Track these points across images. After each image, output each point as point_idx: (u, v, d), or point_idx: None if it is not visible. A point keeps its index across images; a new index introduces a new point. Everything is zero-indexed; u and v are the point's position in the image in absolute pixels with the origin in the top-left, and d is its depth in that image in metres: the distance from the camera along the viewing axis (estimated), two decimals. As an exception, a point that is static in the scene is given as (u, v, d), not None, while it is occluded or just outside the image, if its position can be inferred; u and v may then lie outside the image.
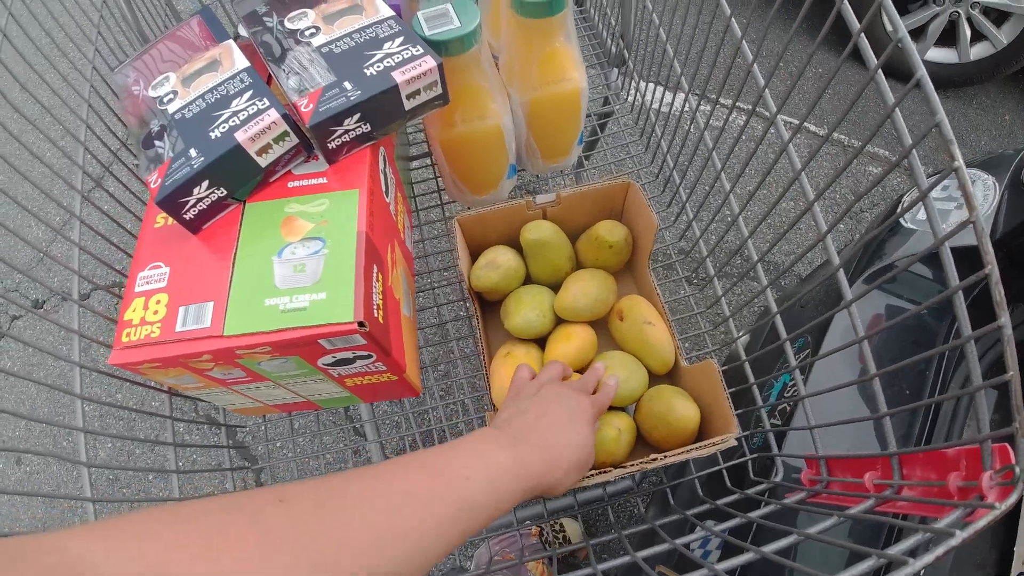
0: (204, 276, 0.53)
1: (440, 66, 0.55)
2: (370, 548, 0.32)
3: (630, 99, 0.89)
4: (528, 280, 0.69)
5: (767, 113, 0.53)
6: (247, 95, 0.55)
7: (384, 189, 0.61)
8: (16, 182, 1.93)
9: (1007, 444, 0.33)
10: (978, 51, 1.81)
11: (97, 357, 1.63)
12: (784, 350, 0.59)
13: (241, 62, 0.58)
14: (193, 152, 0.52)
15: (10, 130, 0.61)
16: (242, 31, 0.77)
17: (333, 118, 0.52)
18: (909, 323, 0.82)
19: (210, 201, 0.54)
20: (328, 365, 0.56)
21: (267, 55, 0.59)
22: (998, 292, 0.34)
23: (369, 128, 0.55)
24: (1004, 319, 0.34)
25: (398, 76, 0.53)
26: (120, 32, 0.81)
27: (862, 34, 0.42)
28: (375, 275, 0.54)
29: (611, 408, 0.62)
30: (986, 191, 0.93)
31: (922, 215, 0.93)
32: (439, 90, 0.57)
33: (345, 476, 0.35)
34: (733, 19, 0.58)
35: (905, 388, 0.76)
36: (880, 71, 0.41)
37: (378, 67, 0.54)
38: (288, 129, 0.54)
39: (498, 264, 0.64)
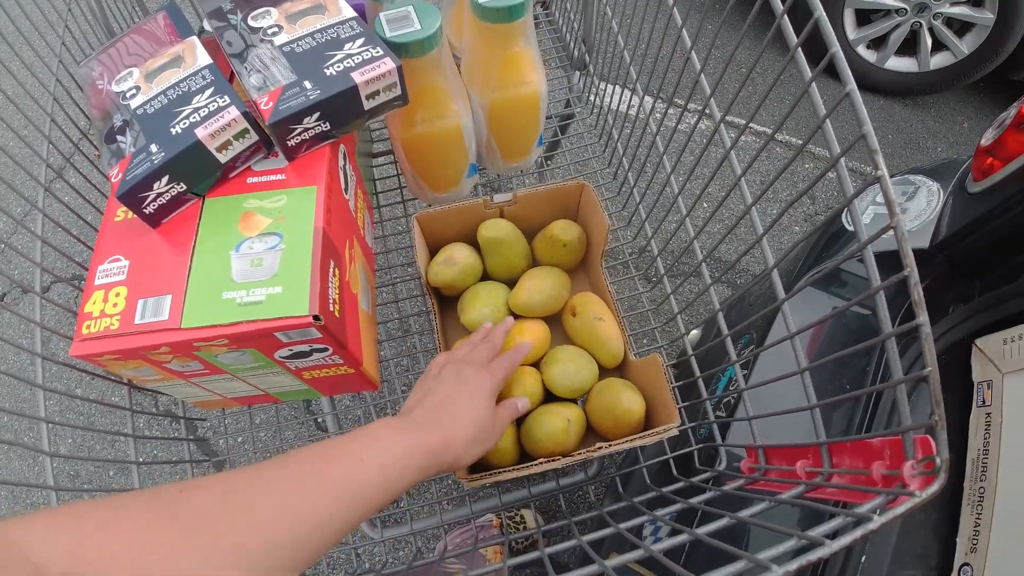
0: (163, 270, 0.54)
1: (399, 68, 0.56)
2: (273, 528, 0.34)
3: (591, 99, 0.92)
4: (485, 276, 0.71)
5: (716, 117, 0.56)
6: (208, 92, 0.56)
7: (343, 187, 0.63)
8: (-26, 172, 1.89)
9: (928, 435, 0.36)
10: (938, 60, 1.86)
11: (57, 351, 1.60)
12: (726, 346, 0.62)
13: (203, 59, 0.59)
14: (154, 147, 0.53)
15: None
16: (207, 26, 0.78)
17: (293, 116, 0.54)
18: (853, 324, 0.86)
19: (170, 196, 0.54)
20: (285, 358, 0.57)
21: (230, 52, 0.60)
22: (917, 292, 0.37)
23: (328, 127, 0.57)
24: (922, 318, 0.36)
25: (357, 76, 0.55)
26: (87, 24, 0.80)
27: (800, 48, 0.45)
28: (332, 270, 0.55)
29: (562, 400, 0.64)
30: (930, 197, 0.97)
31: (865, 219, 0.98)
32: (398, 91, 0.58)
33: (258, 466, 0.38)
34: (684, 30, 0.60)
35: (846, 384, 0.80)
36: (818, 80, 0.43)
37: (338, 67, 0.56)
38: (248, 127, 0.55)
39: (455, 261, 0.65)
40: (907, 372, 0.39)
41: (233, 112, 0.54)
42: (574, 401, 0.65)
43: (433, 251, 0.71)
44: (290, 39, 0.58)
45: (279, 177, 0.57)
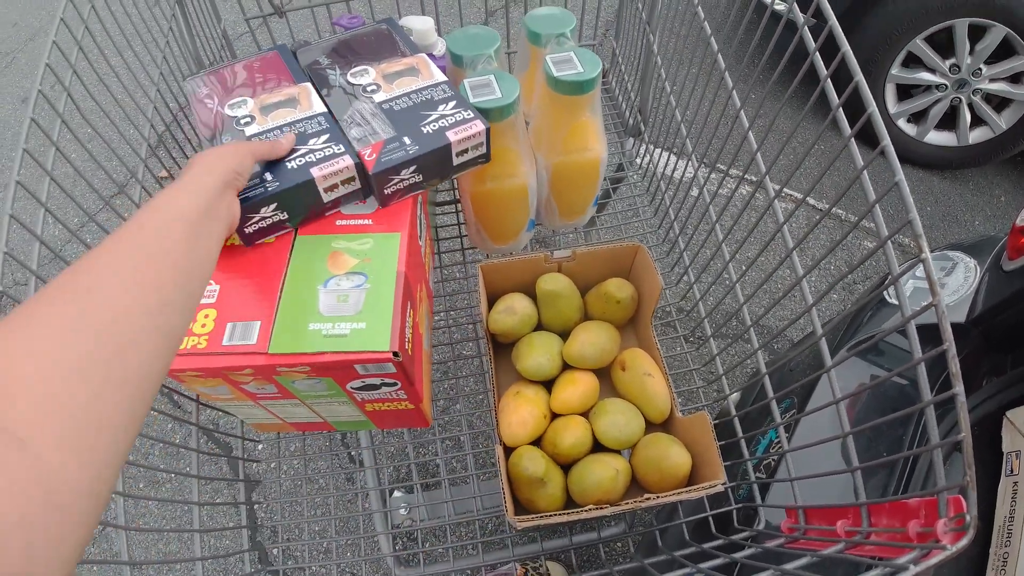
0: (252, 297, 0.59)
1: (487, 130, 0.62)
2: (96, 300, 0.32)
3: (642, 164, 0.97)
4: (539, 326, 0.75)
5: (771, 193, 0.60)
6: (324, 137, 0.61)
7: (419, 233, 0.68)
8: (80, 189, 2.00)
9: (960, 495, 0.39)
10: (977, 135, 1.90)
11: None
12: (771, 408, 0.65)
13: (319, 106, 0.65)
14: (268, 176, 0.58)
15: (79, 138, 0.67)
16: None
17: (393, 168, 0.59)
18: (891, 392, 0.88)
19: (271, 221, 0.60)
20: (355, 389, 0.61)
21: (331, 103, 0.66)
22: (954, 365, 0.40)
23: (420, 179, 0.62)
24: (958, 388, 0.40)
25: (452, 135, 0.61)
26: (181, 57, 0.87)
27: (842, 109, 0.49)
28: (408, 311, 0.59)
29: (609, 451, 0.67)
30: (967, 273, 1.00)
31: (905, 291, 1.00)
32: (484, 150, 0.64)
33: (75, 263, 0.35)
34: (743, 112, 0.66)
35: (883, 450, 0.82)
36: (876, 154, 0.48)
37: (434, 126, 0.62)
38: (355, 176, 0.60)
39: (515, 310, 0.70)
40: (942, 438, 0.42)
41: (347, 160, 0.59)
42: (620, 453, 0.67)
43: (491, 299, 0.75)
44: (389, 97, 0.64)
45: (366, 222, 0.62)
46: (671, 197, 0.87)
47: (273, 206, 0.58)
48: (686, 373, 0.79)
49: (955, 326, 0.91)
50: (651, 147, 0.94)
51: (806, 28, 0.54)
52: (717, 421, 0.72)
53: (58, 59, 0.63)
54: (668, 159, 0.91)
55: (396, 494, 1.04)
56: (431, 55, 0.84)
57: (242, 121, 0.64)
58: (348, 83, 0.67)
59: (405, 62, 0.69)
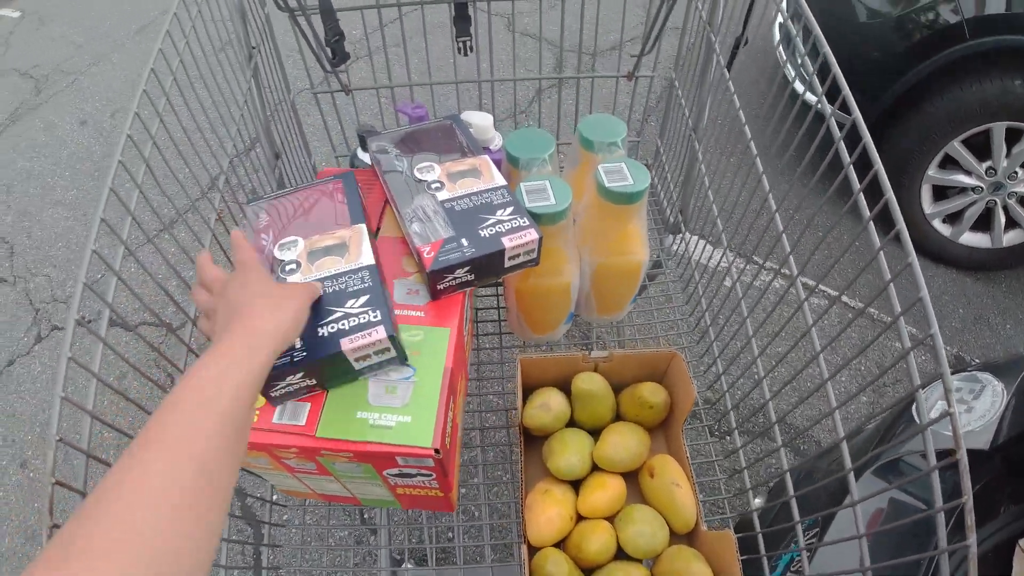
0: (304, 379, 0.61)
1: (540, 239, 0.65)
2: (146, 501, 0.34)
3: (677, 253, 1.00)
4: (571, 421, 0.77)
5: (802, 292, 0.62)
6: (363, 299, 0.59)
7: (465, 325, 0.71)
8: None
9: None
10: (1012, 237, 1.91)
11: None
12: (796, 532, 0.65)
13: (367, 256, 0.63)
14: (297, 343, 0.55)
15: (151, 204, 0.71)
16: (361, 156, 0.90)
17: (449, 267, 0.62)
18: (909, 512, 0.87)
19: (299, 387, 0.58)
20: (391, 475, 0.62)
21: (394, 193, 0.70)
22: (970, 519, 0.42)
23: (473, 278, 0.65)
24: (971, 540, 0.41)
25: (507, 242, 0.64)
26: (253, 126, 0.92)
27: (861, 196, 0.51)
28: (450, 405, 0.62)
29: (631, 559, 0.67)
30: (995, 397, 0.99)
31: (934, 414, 1.00)
32: (535, 256, 0.67)
33: (118, 461, 0.36)
34: (777, 215, 0.68)
35: None
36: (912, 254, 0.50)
37: (491, 230, 0.65)
38: (391, 347, 0.57)
39: (550, 407, 0.72)
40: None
41: (381, 332, 0.56)
42: (642, 562, 0.68)
43: (526, 389, 0.77)
44: (451, 197, 0.68)
45: (419, 314, 0.65)
46: (704, 287, 0.89)
47: (300, 374, 0.56)
48: (710, 471, 0.79)
49: (977, 452, 0.91)
50: (690, 247, 0.97)
51: (839, 125, 0.58)
52: (740, 535, 0.72)
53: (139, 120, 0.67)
54: (704, 249, 0.93)
55: (407, 566, 1.04)
56: (487, 148, 0.89)
57: (288, 267, 0.63)
58: (415, 178, 0.71)
59: (469, 162, 0.73)
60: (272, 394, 0.57)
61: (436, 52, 1.01)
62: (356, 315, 0.57)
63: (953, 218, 1.98)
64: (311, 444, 0.57)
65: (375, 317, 0.57)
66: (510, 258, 0.66)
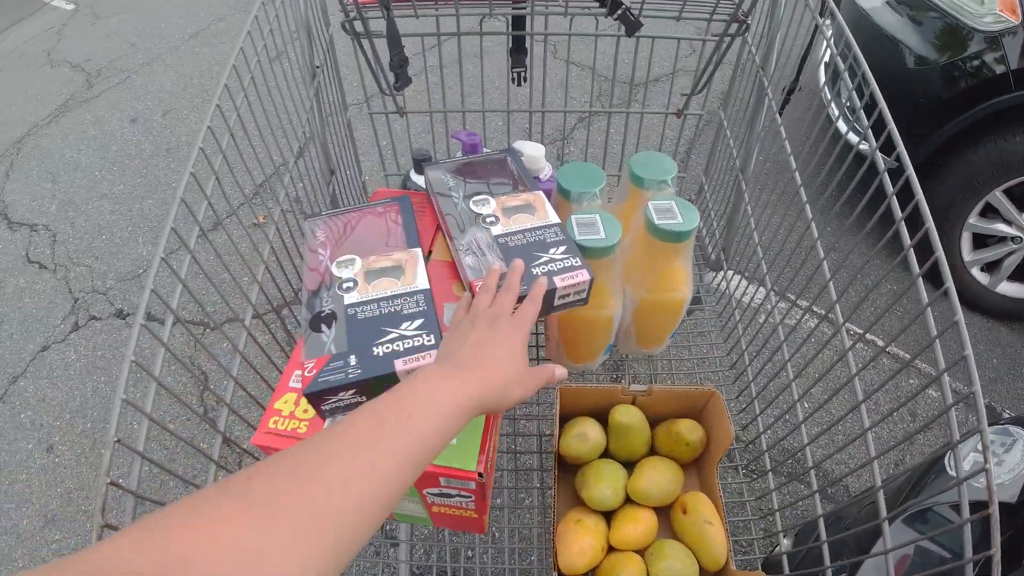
0: (354, 394, 0.63)
1: (591, 280, 0.65)
2: (339, 499, 0.36)
3: (717, 289, 1.00)
4: (605, 452, 0.78)
5: (847, 340, 0.63)
6: (417, 322, 0.61)
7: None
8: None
9: None
10: (1049, 287, 1.90)
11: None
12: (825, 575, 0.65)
13: (422, 280, 0.65)
14: (353, 360, 0.57)
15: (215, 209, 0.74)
16: (415, 179, 0.92)
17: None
18: (934, 561, 0.87)
19: (349, 403, 0.59)
20: (431, 494, 0.64)
21: (448, 224, 0.71)
22: (997, 572, 0.43)
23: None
24: None
25: (558, 281, 0.64)
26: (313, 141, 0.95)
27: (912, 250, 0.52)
28: (492, 429, 0.63)
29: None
30: (1024, 451, 0.99)
31: (966, 465, 0.99)
32: (584, 297, 0.67)
33: (313, 440, 0.39)
34: (825, 263, 0.69)
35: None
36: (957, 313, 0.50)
37: (543, 268, 0.65)
38: None
39: (588, 438, 0.73)
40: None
41: (433, 358, 0.57)
42: (671, 598, 0.68)
43: (562, 417, 0.78)
44: (505, 232, 0.69)
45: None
46: (744, 326, 0.90)
47: (352, 391, 0.57)
48: (740, 514, 0.79)
49: (1006, 505, 0.90)
50: (729, 281, 0.97)
51: (887, 174, 0.60)
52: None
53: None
54: (744, 287, 0.94)
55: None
56: (537, 178, 0.91)
57: (345, 285, 0.65)
58: (471, 210, 0.73)
59: (523, 198, 0.74)
60: (323, 408, 0.58)
61: (476, 78, 1.03)
62: (411, 337, 0.59)
63: (991, 267, 1.96)
64: (358, 459, 0.59)
65: (429, 341, 0.59)
66: (560, 297, 0.65)
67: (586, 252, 0.70)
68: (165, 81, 2.89)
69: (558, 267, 0.65)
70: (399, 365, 0.57)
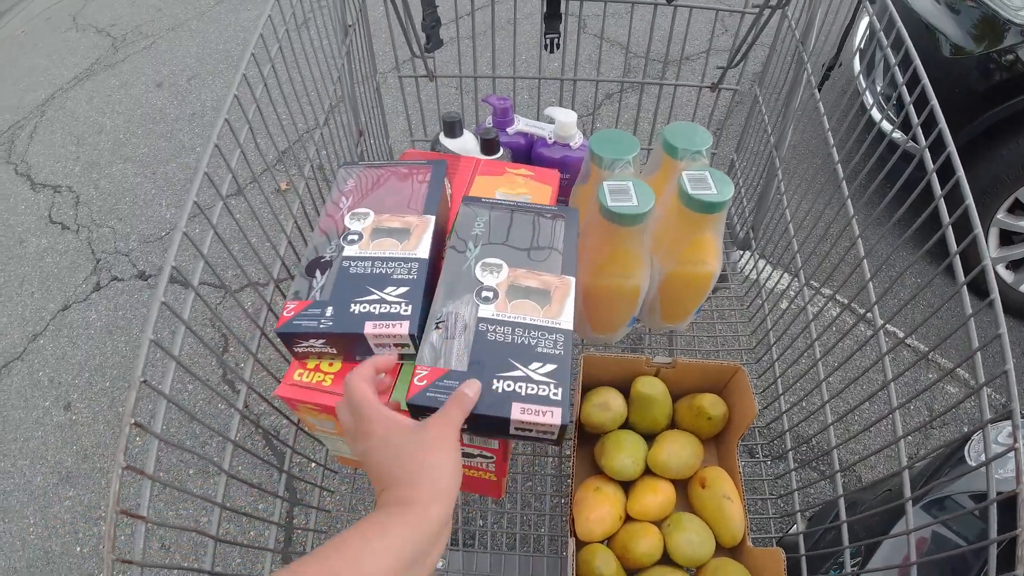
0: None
1: (564, 427, 0.51)
2: None
3: (743, 270, 0.99)
4: (625, 424, 0.77)
5: (884, 345, 0.62)
6: (403, 289, 0.57)
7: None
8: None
9: None
10: (1076, 284, 1.86)
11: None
12: (843, 555, 0.65)
13: (424, 250, 0.60)
14: (329, 311, 0.57)
15: (239, 181, 0.74)
16: (444, 141, 0.91)
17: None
18: (949, 547, 0.86)
19: (320, 351, 0.59)
20: (452, 453, 0.64)
21: (442, 278, 0.60)
22: (1021, 550, 0.42)
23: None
24: (1020, 571, 0.41)
25: (518, 411, 0.51)
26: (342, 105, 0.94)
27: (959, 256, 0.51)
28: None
29: (674, 566, 0.68)
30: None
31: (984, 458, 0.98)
32: (553, 438, 0.52)
33: None
34: (860, 240, 0.68)
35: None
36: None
37: (508, 386, 0.52)
38: (412, 346, 0.56)
39: (610, 407, 0.72)
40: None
41: (403, 328, 0.55)
42: (687, 570, 0.68)
43: (582, 388, 0.78)
44: (494, 317, 0.57)
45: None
46: (770, 307, 0.88)
47: (321, 341, 0.57)
48: (760, 502, 0.79)
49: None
50: (758, 263, 0.96)
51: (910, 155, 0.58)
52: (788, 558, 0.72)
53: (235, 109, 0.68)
54: (771, 272, 0.93)
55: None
56: (567, 146, 0.90)
57: (351, 236, 0.63)
58: (475, 273, 0.61)
59: (544, 280, 0.60)
60: (295, 349, 0.59)
61: (507, 44, 1.02)
62: (390, 303, 0.57)
63: (1017, 264, 1.93)
64: (382, 411, 0.59)
65: (405, 311, 0.56)
66: (516, 428, 0.52)
67: (617, 219, 0.69)
68: (191, 46, 2.89)
69: (526, 392, 0.51)
70: (368, 327, 0.55)
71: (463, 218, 0.67)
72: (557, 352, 0.54)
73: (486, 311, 0.57)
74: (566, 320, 0.57)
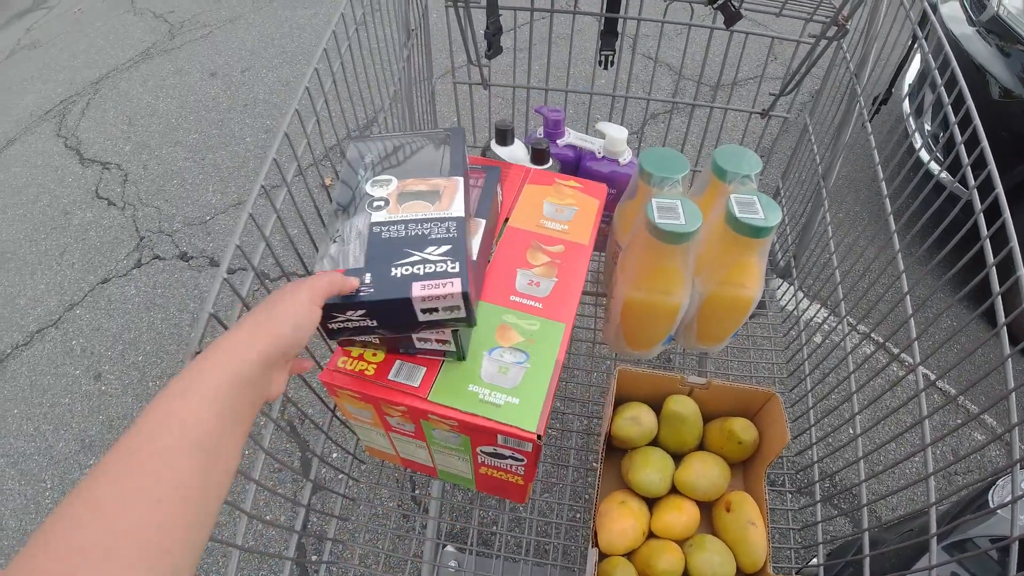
0: (421, 345, 0.63)
1: (467, 294, 0.52)
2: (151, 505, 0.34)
3: (780, 300, 0.99)
4: (653, 441, 0.77)
5: (921, 381, 0.62)
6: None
7: (573, 326, 0.72)
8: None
9: None
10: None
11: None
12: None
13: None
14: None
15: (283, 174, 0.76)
16: (495, 148, 0.93)
17: (338, 307, 0.52)
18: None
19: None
20: (484, 452, 0.65)
21: (336, 207, 0.61)
22: None
23: (375, 325, 0.55)
24: None
25: (418, 288, 0.52)
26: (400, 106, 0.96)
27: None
28: (553, 397, 0.63)
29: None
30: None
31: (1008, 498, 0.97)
32: (461, 314, 0.54)
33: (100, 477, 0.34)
34: (904, 275, 0.67)
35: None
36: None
37: (405, 270, 0.53)
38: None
39: (641, 422, 0.72)
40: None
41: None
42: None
43: (616, 401, 0.78)
44: (385, 220, 0.59)
45: (537, 305, 0.67)
46: (807, 337, 0.88)
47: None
48: (783, 532, 0.78)
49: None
50: (797, 292, 0.96)
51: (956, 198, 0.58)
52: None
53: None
54: (808, 305, 0.92)
55: (448, 548, 1.06)
56: (615, 161, 0.91)
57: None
58: (365, 190, 0.62)
59: (433, 183, 0.62)
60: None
61: (560, 58, 1.04)
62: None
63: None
64: (421, 406, 0.60)
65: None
66: (424, 311, 0.53)
67: (664, 236, 0.69)
68: (246, 39, 2.96)
69: (425, 271, 0.53)
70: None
71: (353, 152, 0.67)
72: (450, 235, 0.56)
73: (378, 217, 0.58)
74: (456, 209, 0.58)
